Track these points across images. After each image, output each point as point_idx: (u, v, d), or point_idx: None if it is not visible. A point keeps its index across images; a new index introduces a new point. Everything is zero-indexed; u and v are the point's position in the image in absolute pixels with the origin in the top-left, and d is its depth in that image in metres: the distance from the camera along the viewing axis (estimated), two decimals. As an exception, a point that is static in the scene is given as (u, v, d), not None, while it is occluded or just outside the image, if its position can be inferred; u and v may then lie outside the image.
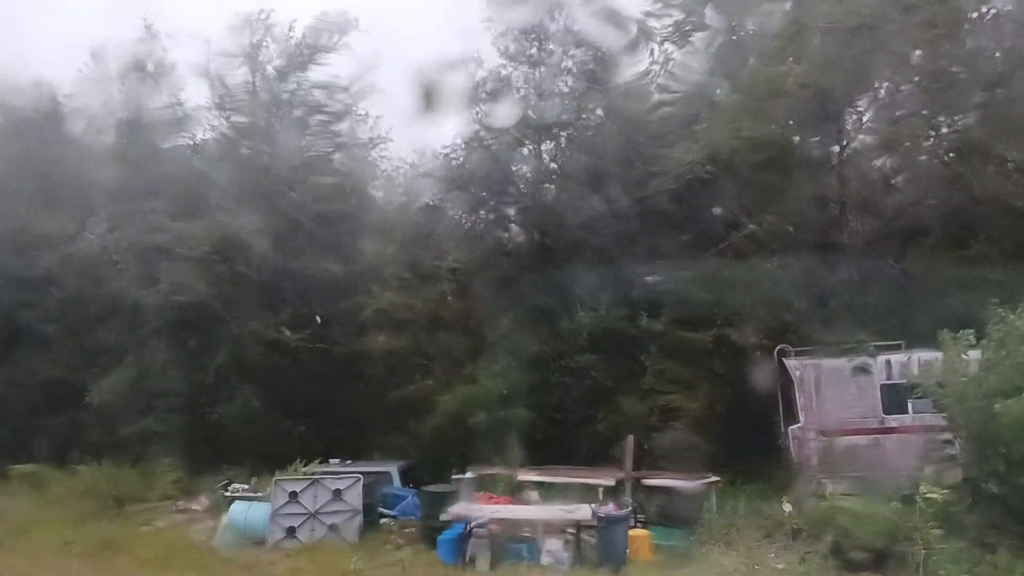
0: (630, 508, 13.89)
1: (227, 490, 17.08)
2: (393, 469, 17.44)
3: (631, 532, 13.33)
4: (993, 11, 17.67)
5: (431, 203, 22.13)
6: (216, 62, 22.94)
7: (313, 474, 16.32)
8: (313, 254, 21.28)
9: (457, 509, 14.42)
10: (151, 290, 21.12)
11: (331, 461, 17.43)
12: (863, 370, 15.27)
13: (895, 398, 15.02)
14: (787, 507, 14.09)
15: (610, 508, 13.58)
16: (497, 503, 15.18)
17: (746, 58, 19.94)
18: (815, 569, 12.04)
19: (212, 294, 20.77)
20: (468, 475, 16.06)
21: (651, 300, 18.45)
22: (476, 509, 14.51)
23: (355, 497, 15.68)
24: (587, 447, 17.24)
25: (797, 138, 19.03)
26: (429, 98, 21.33)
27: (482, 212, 22.10)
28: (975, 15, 17.80)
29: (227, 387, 20.71)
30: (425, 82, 21.20)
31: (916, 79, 18.19)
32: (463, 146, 21.68)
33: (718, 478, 15.12)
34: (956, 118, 18.06)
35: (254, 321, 20.86)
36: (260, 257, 20.88)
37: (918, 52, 17.92)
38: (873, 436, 14.65)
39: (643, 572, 12.40)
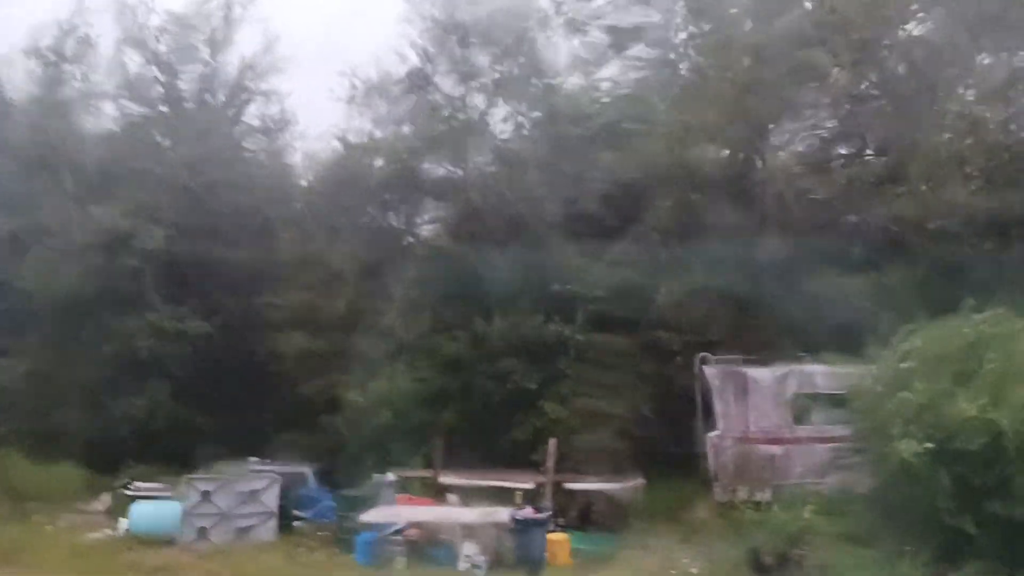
0: (549, 512, 13.89)
1: (130, 489, 16.33)
2: (309, 471, 17.06)
3: (550, 536, 13.31)
4: (908, 35, 18.42)
5: (344, 202, 21.66)
6: (119, 48, 22.13)
7: (228, 474, 15.78)
8: (222, 246, 20.62)
9: (375, 512, 14.17)
10: (34, 276, 20.00)
11: (250, 460, 16.88)
12: (778, 380, 15.69)
13: (806, 408, 15.50)
14: (703, 512, 14.38)
15: (528, 512, 13.52)
16: (416, 506, 14.98)
17: (676, 74, 20.45)
18: (728, 573, 12.30)
19: (99, 283, 19.83)
20: (387, 477, 15.82)
21: (572, 305, 18.61)
22: (394, 512, 14.29)
23: (271, 498, 15.28)
24: (508, 451, 17.20)
25: (726, 152, 19.49)
26: (348, 92, 21.22)
27: (399, 213, 21.83)
28: (889, 42, 18.57)
29: (130, 381, 19.79)
30: (344, 76, 21.08)
31: (836, 101, 18.88)
32: (379, 145, 21.39)
33: (638, 481, 15.31)
34: (873, 140, 18.85)
35: (152, 312, 20.00)
36: (158, 247, 20.07)
37: (838, 74, 18.61)
38: (786, 445, 15.06)
39: (561, 576, 12.41)
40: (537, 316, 18.87)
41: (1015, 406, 10.74)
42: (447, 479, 15.95)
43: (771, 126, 19.42)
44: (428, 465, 16.44)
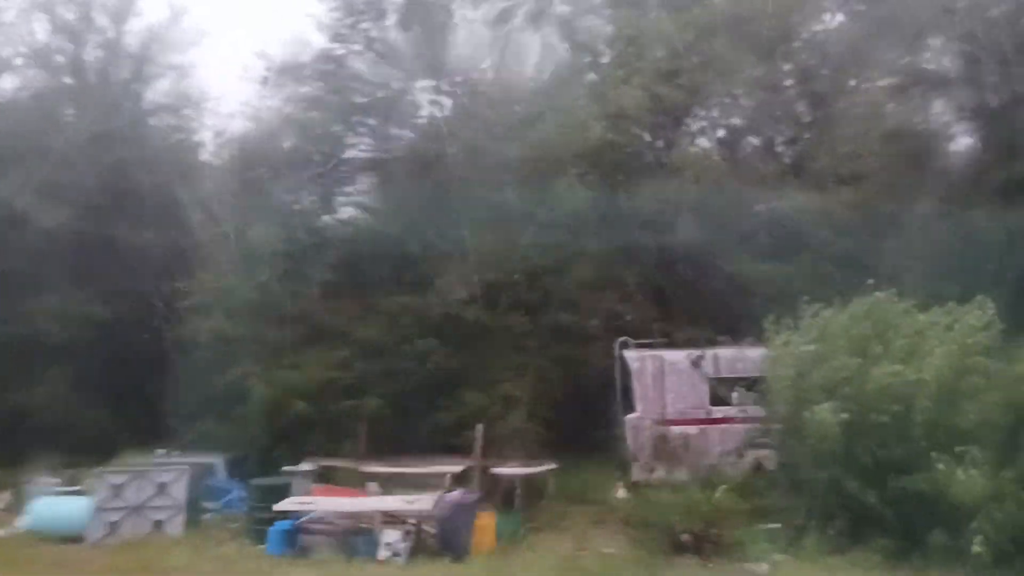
0: (477, 497, 13.87)
1: (33, 483, 15.51)
2: (219, 461, 16.53)
3: (476, 521, 13.29)
4: (822, 29, 19.01)
5: (257, 183, 20.90)
6: (24, 13, 20.80)
7: (137, 466, 15.13)
8: (128, 227, 19.71)
9: (289, 502, 13.81)
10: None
11: (157, 452, 16.21)
12: (694, 363, 16.05)
13: (721, 390, 15.92)
14: (620, 493, 14.61)
15: (455, 497, 13.48)
16: (334, 495, 14.68)
17: (591, 62, 20.56)
18: (642, 552, 12.52)
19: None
20: (303, 467, 15.46)
21: (493, 289, 18.55)
22: (309, 501, 13.97)
23: (180, 490, 14.73)
24: (432, 437, 17.05)
25: (645, 137, 19.68)
26: (261, 69, 20.57)
27: (315, 193, 21.25)
28: (806, 35, 19.13)
29: (30, 369, 18.74)
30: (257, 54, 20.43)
31: (749, 92, 19.36)
32: (293, 123, 20.86)
33: (556, 465, 15.42)
34: (786, 130, 19.41)
35: (53, 295, 18.97)
36: (60, 226, 19.02)
37: (752, 66, 19.08)
38: (702, 426, 15.44)
39: (485, 560, 12.39)
40: (458, 300, 18.70)
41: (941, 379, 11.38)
42: (368, 467, 15.69)
43: (686, 115, 19.78)
44: (347, 453, 16.12)
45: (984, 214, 14.52)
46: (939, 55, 17.40)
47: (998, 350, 11.73)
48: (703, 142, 20.42)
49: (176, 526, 14.51)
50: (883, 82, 17.81)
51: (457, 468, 15.03)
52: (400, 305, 18.85)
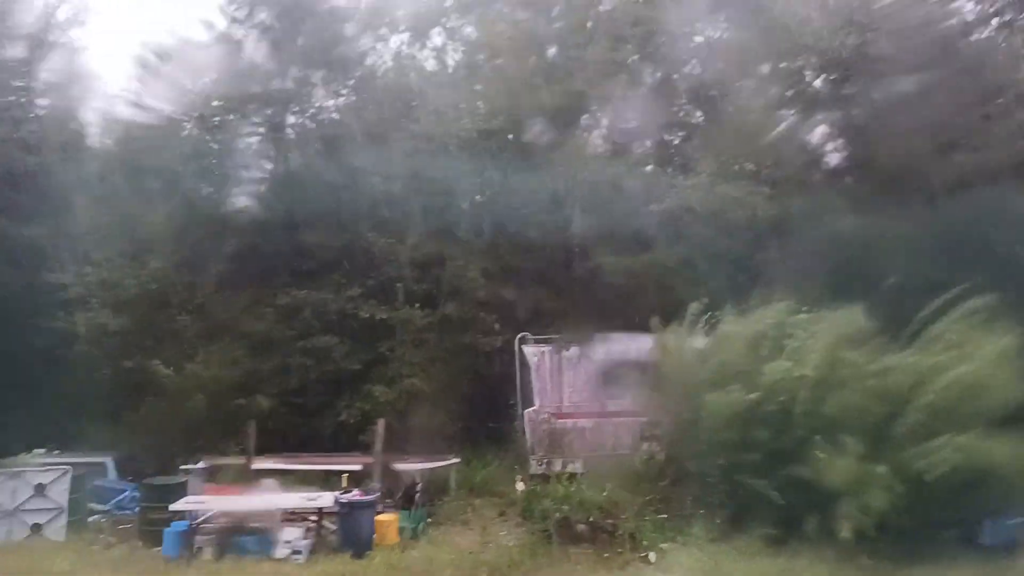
0: (377, 493, 13.93)
1: None
2: (108, 460, 15.92)
3: (377, 517, 13.36)
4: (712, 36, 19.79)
5: (150, 170, 19.92)
6: None
7: (11, 467, 14.38)
8: (7, 215, 18.60)
9: (183, 502, 13.49)
10: None
11: (36, 452, 15.44)
12: (590, 356, 16.57)
13: (615, 382, 16.48)
14: (520, 486, 14.99)
15: (354, 494, 13.50)
16: (230, 494, 14.42)
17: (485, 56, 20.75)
18: (540, 544, 12.93)
19: None
20: (199, 465, 15.10)
21: (393, 283, 18.57)
22: (205, 501, 13.69)
23: (61, 492, 14.16)
24: (333, 433, 16.95)
25: (541, 131, 19.98)
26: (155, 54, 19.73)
27: (209, 182, 20.52)
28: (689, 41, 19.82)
29: None
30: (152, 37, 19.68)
31: (640, 95, 19.95)
32: (188, 109, 20.10)
33: (458, 459, 15.64)
34: (671, 134, 20.14)
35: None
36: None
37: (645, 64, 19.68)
38: (598, 418, 15.99)
39: (387, 556, 12.50)
40: (358, 294, 18.61)
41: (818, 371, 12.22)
42: (265, 464, 15.45)
43: (579, 111, 20.20)
44: (243, 451, 15.81)
45: (862, 221, 15.58)
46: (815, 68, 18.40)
47: (871, 346, 12.65)
48: (597, 138, 20.85)
49: (57, 530, 13.97)
50: (764, 91, 18.68)
51: (358, 464, 15.01)
52: (297, 300, 18.59)
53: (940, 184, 15.31)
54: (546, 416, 15.96)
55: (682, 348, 13.85)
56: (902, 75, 15.21)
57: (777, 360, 12.54)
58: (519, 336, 16.88)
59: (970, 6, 14.99)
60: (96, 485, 15.24)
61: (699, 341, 13.64)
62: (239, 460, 15.67)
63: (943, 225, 14.74)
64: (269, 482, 15.12)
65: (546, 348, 16.58)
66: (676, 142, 20.41)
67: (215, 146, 19.95)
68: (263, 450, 15.87)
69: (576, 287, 18.30)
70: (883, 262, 14.69)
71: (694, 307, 14.07)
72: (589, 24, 19.20)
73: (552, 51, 19.73)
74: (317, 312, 18.51)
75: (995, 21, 14.87)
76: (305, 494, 13.79)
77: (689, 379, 13.45)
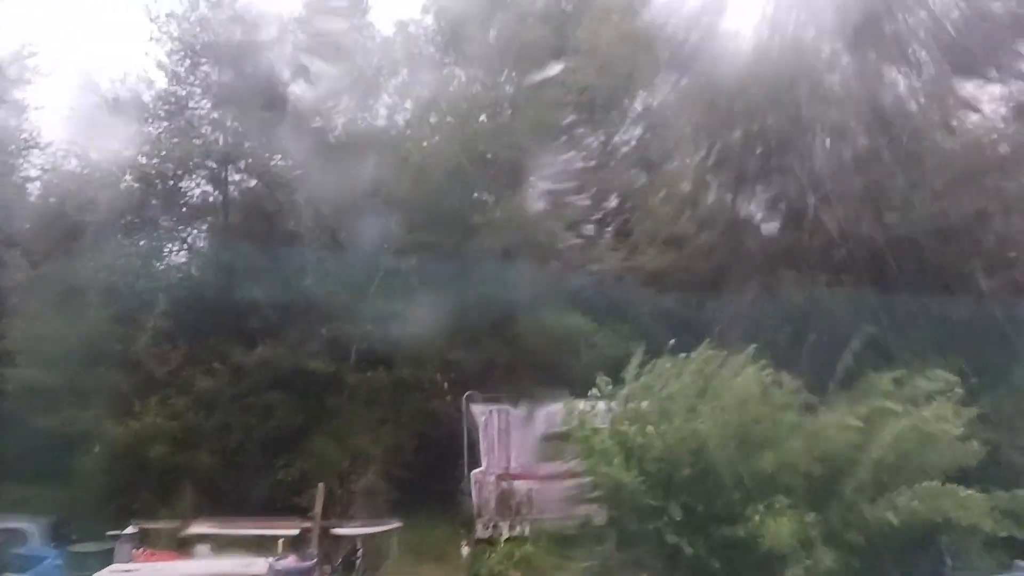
0: (314, 559, 13.45)
1: None
2: (30, 526, 15.06)
3: (314, 584, 12.90)
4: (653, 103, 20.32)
5: (89, 223, 19.70)
6: None
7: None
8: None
9: (109, 570, 12.79)
10: None
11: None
12: (535, 418, 16.46)
13: (555, 445, 16.35)
14: (465, 550, 14.66)
15: (290, 560, 13.01)
16: (161, 559, 13.77)
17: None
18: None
19: None
20: (129, 530, 14.41)
21: (338, 340, 18.35)
22: (133, 569, 13.02)
23: (-28, 562, 13.32)
24: (273, 495, 16.43)
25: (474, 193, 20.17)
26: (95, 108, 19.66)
27: (150, 235, 20.23)
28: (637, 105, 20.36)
29: None
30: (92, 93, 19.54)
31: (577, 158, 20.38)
32: (128, 164, 19.92)
33: (400, 524, 15.27)
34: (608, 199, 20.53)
35: None
36: None
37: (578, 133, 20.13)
38: (542, 481, 15.77)
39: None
40: (302, 350, 18.31)
41: (727, 430, 12.06)
42: (199, 529, 14.82)
43: (516, 172, 20.52)
44: (177, 514, 15.19)
45: (793, 284, 16.02)
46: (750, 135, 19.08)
47: (800, 404, 12.78)
48: (536, 199, 21.12)
49: (-33, 603, 13.11)
50: (700, 157, 19.26)
51: (295, 529, 14.53)
52: (241, 355, 18.21)
53: (866, 248, 15.92)
54: (493, 478, 15.74)
55: (594, 412, 13.72)
56: (834, 143, 15.86)
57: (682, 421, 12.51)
58: (466, 395, 16.71)
59: (901, 79, 15.76)
60: (16, 553, 14.38)
61: (616, 404, 13.50)
62: (171, 524, 15.01)
63: (868, 285, 15.20)
64: (202, 548, 14.50)
65: (494, 408, 16.42)
66: (614, 205, 20.82)
67: (155, 200, 19.62)
68: (198, 512, 15.27)
69: (523, 346, 18.31)
70: (817, 323, 15.05)
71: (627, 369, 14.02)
72: (533, 87, 19.58)
73: (496, 112, 20.02)
74: (260, 368, 18.13)
75: (921, 93, 15.64)
76: (240, 560, 13.23)
77: (593, 443, 13.30)
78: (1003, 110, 15.83)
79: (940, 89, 15.26)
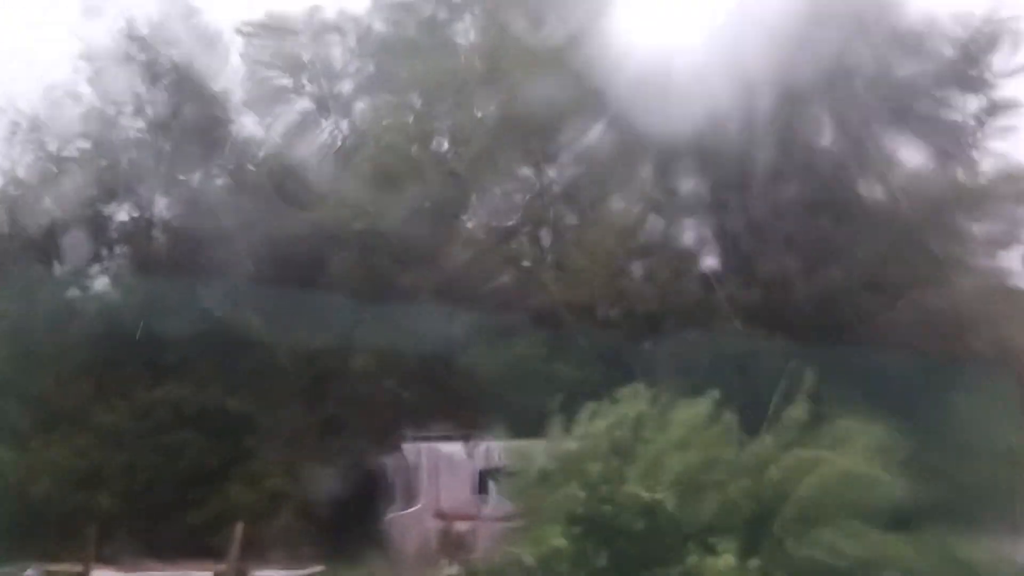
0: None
1: None
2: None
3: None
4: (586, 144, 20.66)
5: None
6: None
7: None
8: None
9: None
10: None
11: None
12: (467, 458, 16.15)
13: (488, 485, 16.06)
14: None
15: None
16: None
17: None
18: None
19: None
20: (29, 572, 13.38)
21: (258, 376, 17.71)
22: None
23: None
24: (186, 537, 15.52)
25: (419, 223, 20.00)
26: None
27: (63, 261, 19.34)
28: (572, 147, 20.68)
29: None
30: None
31: (520, 193, 20.50)
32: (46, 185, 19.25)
33: (322, 567, 14.64)
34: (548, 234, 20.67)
35: None
36: None
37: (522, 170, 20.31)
38: (473, 521, 15.43)
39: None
40: (219, 387, 17.56)
41: (670, 481, 12.09)
42: (103, 572, 13.87)
43: (457, 208, 20.49)
44: (80, 555, 14.15)
45: (730, 328, 16.41)
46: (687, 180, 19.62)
47: (737, 447, 12.96)
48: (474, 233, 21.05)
49: None
50: (636, 199, 19.64)
51: (208, 573, 13.76)
52: (154, 391, 17.38)
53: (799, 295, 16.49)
54: (423, 518, 15.30)
55: (542, 454, 13.62)
56: (770, 192, 16.50)
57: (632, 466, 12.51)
58: (397, 433, 16.30)
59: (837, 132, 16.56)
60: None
61: (553, 445, 13.42)
62: (72, 566, 14.00)
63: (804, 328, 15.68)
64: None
65: (425, 446, 16.04)
66: (552, 240, 20.94)
67: (76, 225, 18.73)
68: (103, 555, 14.29)
69: (456, 383, 18.01)
70: (749, 365, 15.39)
71: (570, 405, 13.94)
72: (474, 121, 19.67)
73: (436, 144, 20.03)
74: (175, 405, 17.30)
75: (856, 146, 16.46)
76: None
77: (542, 484, 13.19)
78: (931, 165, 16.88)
79: (874, 143, 16.06)
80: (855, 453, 12.19)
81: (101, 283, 19.97)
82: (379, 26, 20.86)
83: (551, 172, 20.55)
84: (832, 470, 11.98)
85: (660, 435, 13.05)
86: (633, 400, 13.53)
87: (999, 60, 17.42)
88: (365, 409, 17.63)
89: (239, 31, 19.91)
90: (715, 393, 13.07)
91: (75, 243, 19.26)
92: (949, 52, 17.18)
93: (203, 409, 17.35)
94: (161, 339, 17.64)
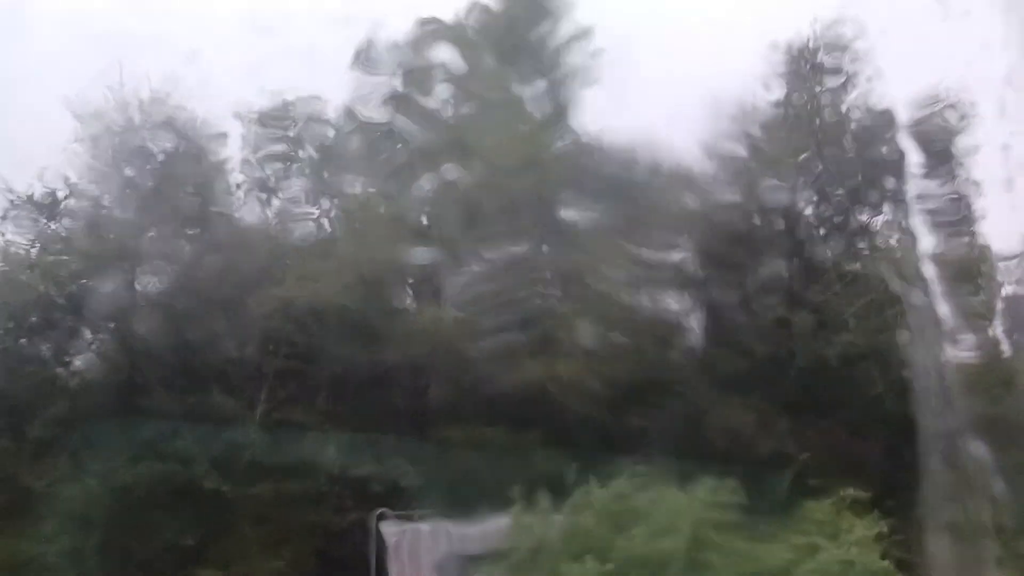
0: None
1: None
2: None
3: None
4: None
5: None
6: None
7: None
8: None
9: None
10: None
11: None
12: (445, 537, 15.66)
13: (465, 565, 15.50)
14: None
15: None
16: None
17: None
18: None
19: None
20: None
21: (237, 453, 17.34)
22: None
23: None
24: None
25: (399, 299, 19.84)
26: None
27: (45, 340, 19.12)
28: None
29: None
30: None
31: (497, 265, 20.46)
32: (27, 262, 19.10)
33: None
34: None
35: None
36: None
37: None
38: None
39: None
40: (198, 465, 17.11)
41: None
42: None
43: (436, 285, 20.43)
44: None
45: (712, 398, 16.26)
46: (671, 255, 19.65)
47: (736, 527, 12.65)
48: (454, 309, 20.90)
49: None
50: (623, 272, 19.60)
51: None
52: (127, 469, 16.85)
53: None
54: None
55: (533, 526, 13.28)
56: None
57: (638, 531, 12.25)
58: (377, 512, 15.87)
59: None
60: None
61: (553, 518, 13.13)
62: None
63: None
64: None
65: (407, 527, 15.58)
66: (534, 314, 20.79)
67: (61, 301, 18.59)
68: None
69: (439, 460, 17.63)
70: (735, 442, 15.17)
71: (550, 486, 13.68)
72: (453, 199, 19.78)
73: (415, 221, 20.10)
74: (145, 483, 16.80)
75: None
76: None
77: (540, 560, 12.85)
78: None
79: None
80: (851, 539, 11.97)
81: (94, 359, 19.78)
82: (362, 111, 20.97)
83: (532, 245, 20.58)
84: (831, 559, 11.71)
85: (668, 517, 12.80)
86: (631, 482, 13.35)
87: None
88: (344, 486, 17.23)
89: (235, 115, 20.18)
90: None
91: (59, 319, 19.10)
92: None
93: (181, 489, 16.82)
94: (142, 416, 17.33)
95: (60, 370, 19.29)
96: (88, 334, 19.64)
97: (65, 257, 19.00)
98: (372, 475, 16.97)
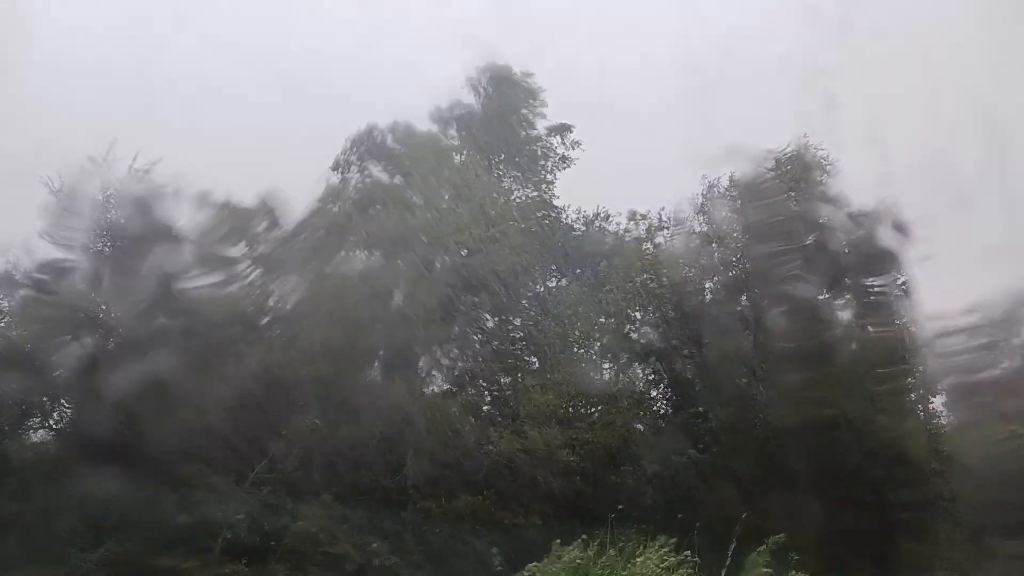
0: None
1: None
2: None
3: None
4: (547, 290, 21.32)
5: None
6: None
7: None
8: None
9: None
10: None
11: None
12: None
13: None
14: None
15: None
16: None
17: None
18: None
19: None
20: None
21: (206, 535, 16.81)
22: None
23: None
24: None
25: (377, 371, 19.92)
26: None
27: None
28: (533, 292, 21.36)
29: None
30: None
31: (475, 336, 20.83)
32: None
33: None
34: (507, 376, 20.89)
35: None
36: None
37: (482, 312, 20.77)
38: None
39: None
40: (159, 548, 16.57)
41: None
42: None
43: (415, 357, 20.62)
44: None
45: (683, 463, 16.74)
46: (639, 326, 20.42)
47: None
48: (432, 380, 21.10)
49: None
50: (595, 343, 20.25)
51: None
52: (85, 552, 16.20)
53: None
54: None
55: None
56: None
57: None
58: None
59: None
60: None
61: None
62: None
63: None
64: None
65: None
66: (500, 388, 21.13)
67: (17, 372, 18.12)
68: None
69: (412, 535, 17.49)
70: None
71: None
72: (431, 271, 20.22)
73: (394, 294, 20.38)
74: (106, 567, 16.13)
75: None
76: None
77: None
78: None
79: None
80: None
81: (53, 432, 19.19)
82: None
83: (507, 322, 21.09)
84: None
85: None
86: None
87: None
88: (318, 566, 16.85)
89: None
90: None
91: (28, 390, 18.63)
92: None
93: (140, 569, 16.15)
94: (104, 494, 16.70)
95: (13, 444, 18.51)
96: (48, 406, 19.07)
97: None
98: (350, 553, 16.74)
